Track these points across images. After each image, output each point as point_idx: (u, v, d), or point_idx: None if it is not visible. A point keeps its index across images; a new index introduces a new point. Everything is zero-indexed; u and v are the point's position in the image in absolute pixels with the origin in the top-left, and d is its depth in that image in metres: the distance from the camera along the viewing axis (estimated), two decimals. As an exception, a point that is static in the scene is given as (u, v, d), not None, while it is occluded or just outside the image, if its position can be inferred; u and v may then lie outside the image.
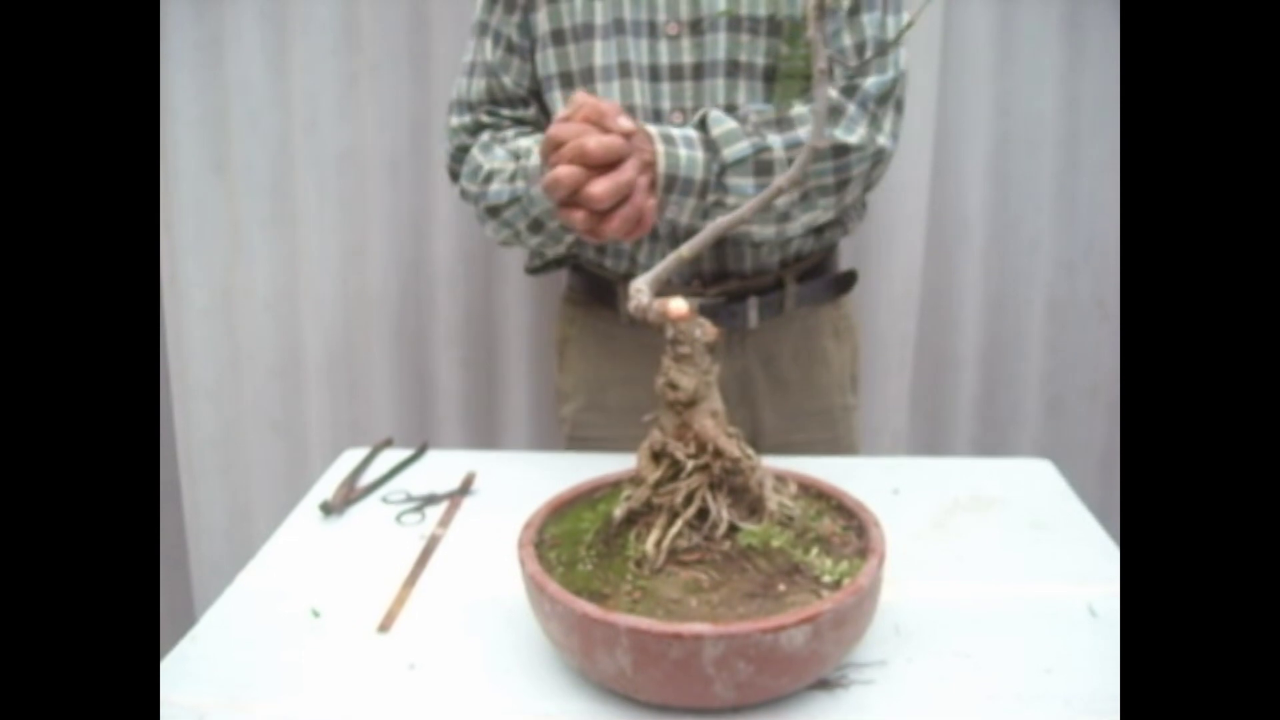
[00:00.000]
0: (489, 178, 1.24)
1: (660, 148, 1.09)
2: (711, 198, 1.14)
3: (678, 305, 0.86)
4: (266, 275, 1.86)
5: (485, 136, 1.29)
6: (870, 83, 1.19)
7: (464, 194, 1.30)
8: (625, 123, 1.03)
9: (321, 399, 1.90)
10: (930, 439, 1.97)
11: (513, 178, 1.21)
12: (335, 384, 1.90)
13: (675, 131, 1.13)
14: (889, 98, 1.21)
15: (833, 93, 1.17)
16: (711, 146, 1.13)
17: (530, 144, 1.22)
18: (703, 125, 1.15)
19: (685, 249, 0.90)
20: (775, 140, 1.14)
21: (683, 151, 1.11)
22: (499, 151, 1.25)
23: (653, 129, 1.11)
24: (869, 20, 1.20)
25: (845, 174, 1.19)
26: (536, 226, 1.24)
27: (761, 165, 1.13)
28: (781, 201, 1.15)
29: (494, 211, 1.24)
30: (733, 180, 1.13)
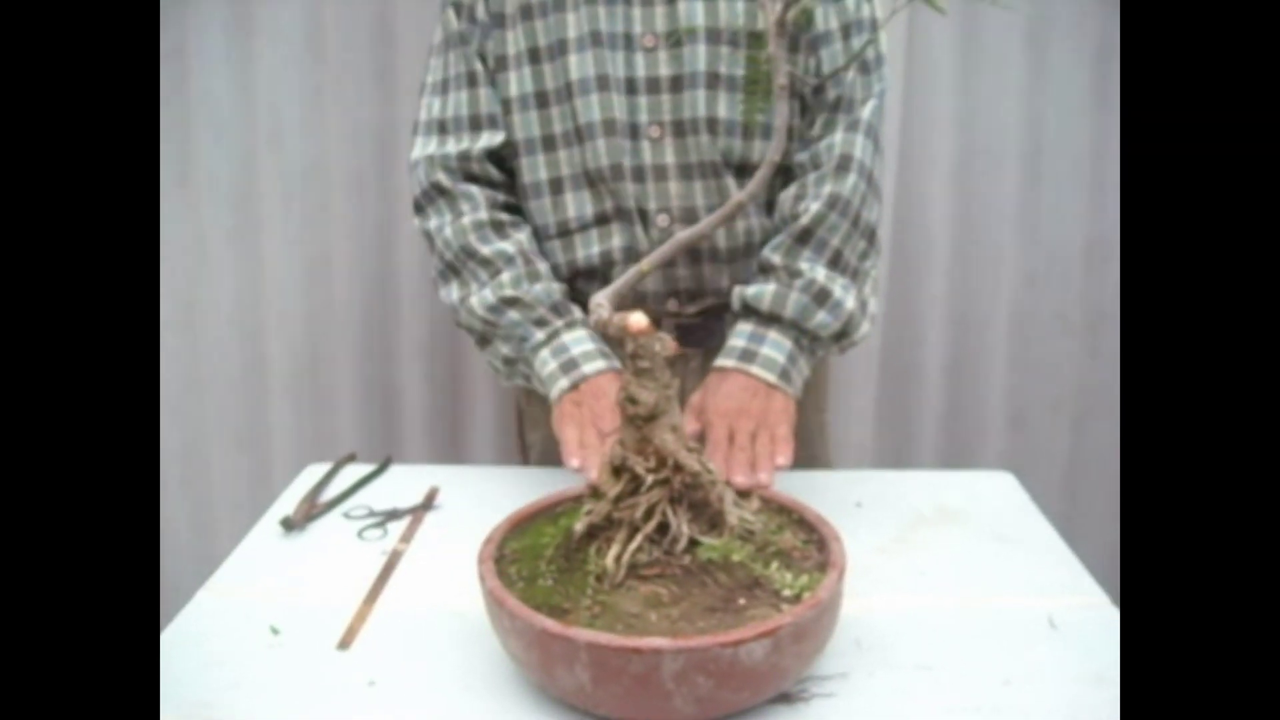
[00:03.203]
0: (513, 301, 1.22)
1: (757, 371, 1.19)
2: (805, 343, 1.23)
3: (637, 319, 0.86)
4: (230, 289, 1.85)
5: (482, 213, 1.26)
6: (868, 109, 1.24)
7: (429, 237, 1.29)
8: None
9: (285, 413, 1.89)
10: (895, 452, 1.98)
11: (539, 323, 1.22)
12: (299, 397, 1.89)
13: (741, 343, 1.21)
14: (880, 114, 1.26)
15: (839, 138, 1.23)
16: (774, 319, 1.21)
17: (557, 290, 1.24)
18: (745, 307, 1.23)
19: (645, 263, 0.90)
20: (806, 264, 1.21)
21: (766, 350, 1.20)
22: (522, 272, 1.23)
23: (730, 363, 1.20)
24: (858, 42, 1.23)
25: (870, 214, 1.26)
26: (508, 363, 1.26)
27: (819, 295, 1.21)
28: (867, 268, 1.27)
29: (490, 324, 1.24)
30: (812, 324, 1.21)
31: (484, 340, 1.27)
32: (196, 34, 1.74)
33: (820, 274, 1.21)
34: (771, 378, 1.19)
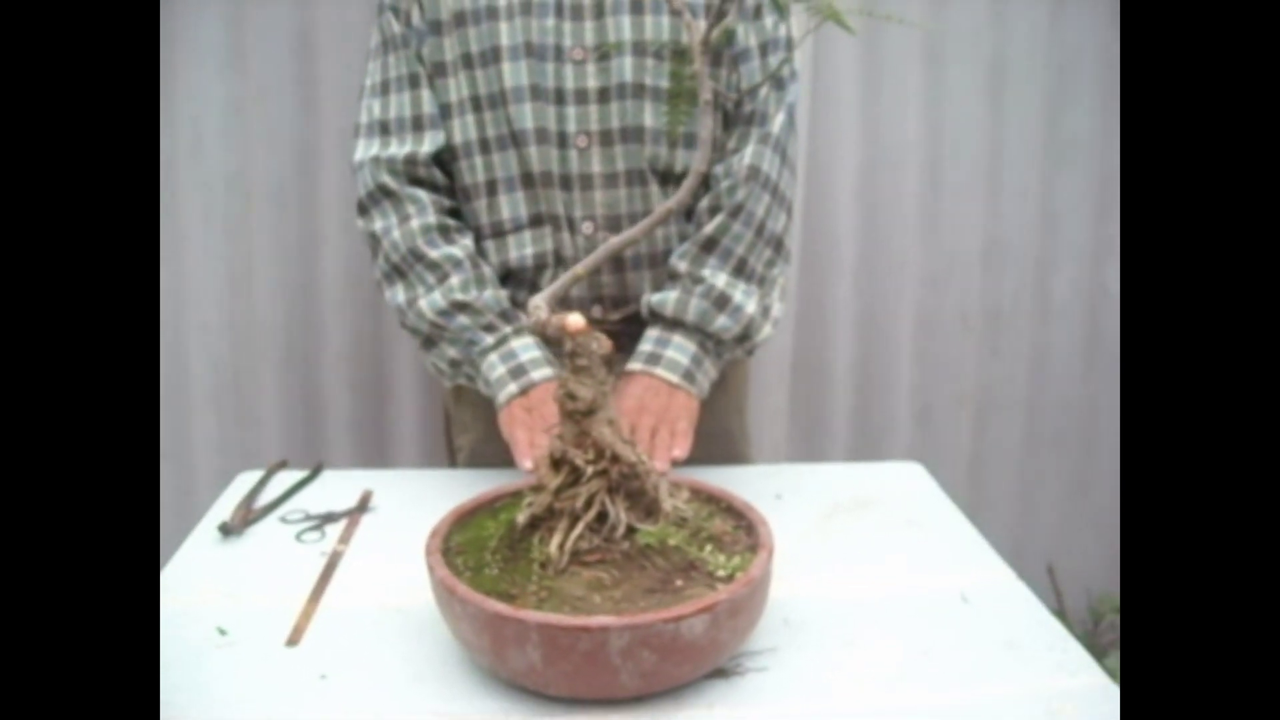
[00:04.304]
0: (462, 306, 1.25)
1: (661, 373, 1.25)
2: (710, 345, 1.29)
3: (575, 320, 0.90)
4: None
5: (430, 217, 1.28)
6: (779, 123, 1.29)
7: (374, 238, 1.30)
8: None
9: (208, 424, 1.88)
10: (808, 448, 2.04)
11: (488, 329, 1.25)
12: (222, 409, 1.88)
13: (648, 348, 1.27)
14: (791, 126, 1.33)
15: (750, 152, 1.28)
16: (677, 324, 1.27)
17: (504, 297, 1.27)
18: (651, 313, 1.29)
19: (580, 267, 0.94)
20: (708, 271, 1.27)
21: (670, 353, 1.26)
22: (470, 277, 1.26)
23: (637, 367, 1.26)
24: (774, 60, 1.29)
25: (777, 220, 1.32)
26: (454, 365, 1.29)
27: (718, 300, 1.27)
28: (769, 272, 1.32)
29: (437, 327, 1.27)
30: (714, 328, 1.27)
31: (429, 342, 1.30)
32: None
33: (721, 280, 1.27)
34: (674, 378, 1.25)
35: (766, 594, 0.91)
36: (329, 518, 1.23)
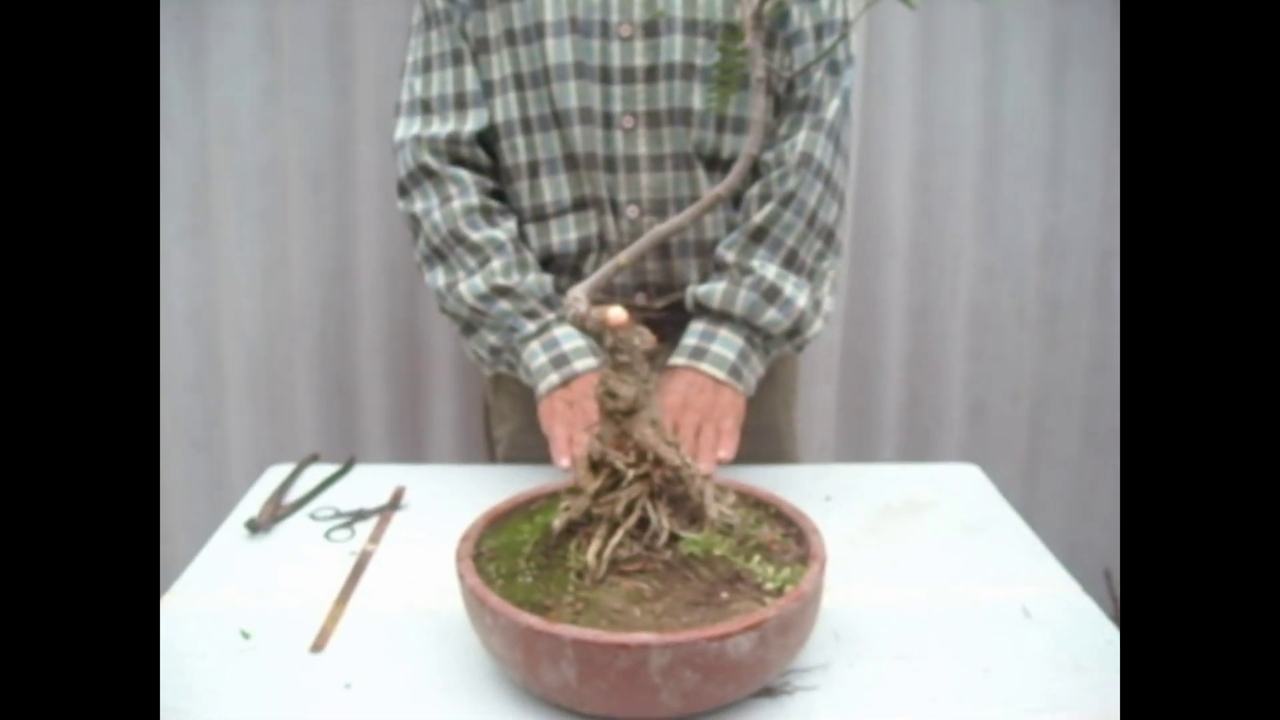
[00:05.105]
0: (504, 291, 1.22)
1: (706, 368, 1.21)
2: (758, 340, 1.24)
3: (616, 313, 0.86)
4: (185, 289, 1.81)
5: (473, 198, 1.24)
6: (833, 109, 1.24)
7: (415, 220, 1.27)
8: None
9: (243, 415, 1.86)
10: (857, 445, 1.99)
11: (531, 315, 1.22)
12: (257, 399, 1.86)
13: (692, 341, 1.22)
14: (847, 113, 1.28)
15: (803, 138, 1.23)
16: (724, 316, 1.23)
17: (548, 283, 1.24)
18: (697, 305, 1.24)
19: (623, 256, 0.89)
20: (757, 261, 1.22)
21: (716, 348, 1.22)
22: (513, 261, 1.23)
23: (680, 361, 1.22)
24: (829, 43, 1.23)
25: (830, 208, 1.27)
26: (494, 352, 1.26)
27: (768, 292, 1.22)
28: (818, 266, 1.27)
29: (478, 312, 1.24)
30: (762, 321, 1.22)
31: (469, 328, 1.27)
32: (147, 29, 1.70)
33: (771, 272, 1.22)
34: (720, 374, 1.20)
35: (818, 609, 0.85)
36: (360, 515, 1.20)
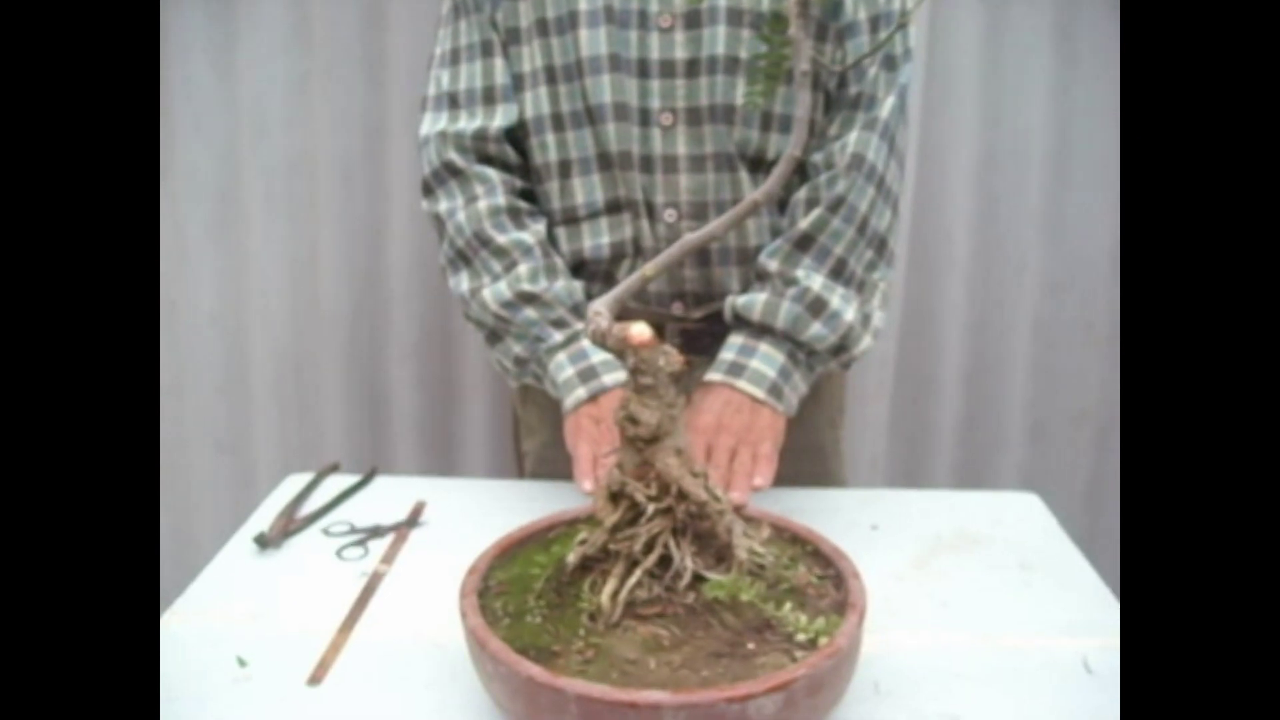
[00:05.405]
0: (530, 298, 1.15)
1: (744, 385, 1.12)
2: (801, 357, 1.16)
3: (640, 331, 0.78)
4: (212, 287, 1.79)
5: (500, 198, 1.18)
6: (888, 107, 1.16)
7: (439, 220, 1.22)
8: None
9: (269, 418, 1.83)
10: (909, 466, 1.91)
11: (558, 324, 1.15)
12: (284, 402, 1.83)
13: (730, 356, 1.15)
14: (902, 112, 1.19)
15: (854, 138, 1.15)
16: (765, 330, 1.15)
17: (578, 289, 1.18)
18: (736, 317, 1.17)
19: (649, 267, 0.82)
20: (802, 271, 1.15)
21: (755, 364, 1.14)
22: (540, 266, 1.17)
23: (717, 377, 1.14)
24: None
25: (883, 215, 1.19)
26: (519, 363, 1.20)
27: (813, 305, 1.14)
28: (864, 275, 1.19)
29: (503, 320, 1.18)
30: (806, 336, 1.15)
31: (495, 337, 1.21)
32: (175, 18, 1.67)
33: (817, 283, 1.14)
34: (759, 392, 1.12)
35: (855, 664, 0.77)
36: (375, 531, 1.14)
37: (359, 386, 1.84)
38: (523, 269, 1.16)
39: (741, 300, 1.16)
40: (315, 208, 1.76)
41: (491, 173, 1.19)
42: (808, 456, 1.28)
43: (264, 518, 1.17)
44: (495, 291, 1.16)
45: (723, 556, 0.81)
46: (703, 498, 0.79)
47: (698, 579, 0.79)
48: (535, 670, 0.70)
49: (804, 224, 1.14)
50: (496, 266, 1.17)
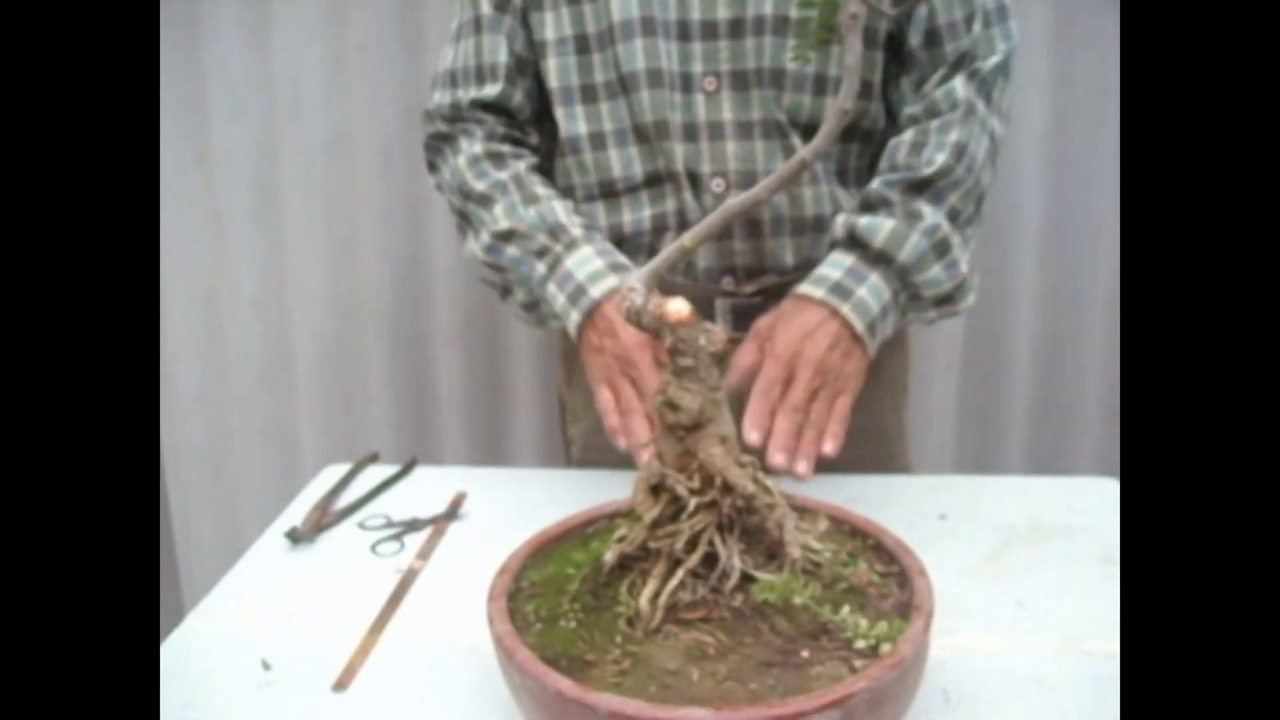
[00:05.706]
0: (507, 235, 1.11)
1: (848, 313, 1.02)
2: (903, 299, 1.07)
3: (677, 307, 0.72)
4: (252, 273, 1.77)
5: (477, 146, 1.16)
6: (991, 63, 1.09)
7: (442, 188, 1.20)
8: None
9: (313, 406, 1.81)
10: (980, 449, 1.84)
11: (540, 254, 1.09)
12: (327, 390, 1.81)
13: (837, 275, 1.04)
14: (1006, 73, 1.12)
15: (959, 85, 1.08)
16: (882, 259, 1.04)
17: (559, 209, 1.11)
18: (851, 238, 1.06)
19: (688, 238, 0.75)
20: (927, 208, 1.06)
21: (863, 293, 1.03)
22: (515, 199, 1.12)
23: (818, 294, 1.03)
24: None
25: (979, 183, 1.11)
26: (528, 309, 1.15)
27: (939, 246, 1.06)
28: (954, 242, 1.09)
29: (495, 268, 1.14)
30: (923, 277, 1.06)
31: (504, 291, 1.17)
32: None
33: (945, 223, 1.06)
34: (860, 326, 1.02)
35: (921, 673, 0.70)
36: (412, 525, 1.10)
37: (403, 373, 1.81)
38: (498, 208, 1.11)
39: (864, 221, 1.05)
40: (355, 190, 1.73)
41: (473, 125, 1.16)
42: (869, 439, 1.20)
43: (298, 511, 1.13)
44: (481, 243, 1.12)
45: (774, 554, 0.74)
46: (750, 490, 0.73)
47: (746, 579, 0.73)
48: (565, 684, 0.64)
49: (926, 170, 1.06)
50: (483, 214, 1.12)
